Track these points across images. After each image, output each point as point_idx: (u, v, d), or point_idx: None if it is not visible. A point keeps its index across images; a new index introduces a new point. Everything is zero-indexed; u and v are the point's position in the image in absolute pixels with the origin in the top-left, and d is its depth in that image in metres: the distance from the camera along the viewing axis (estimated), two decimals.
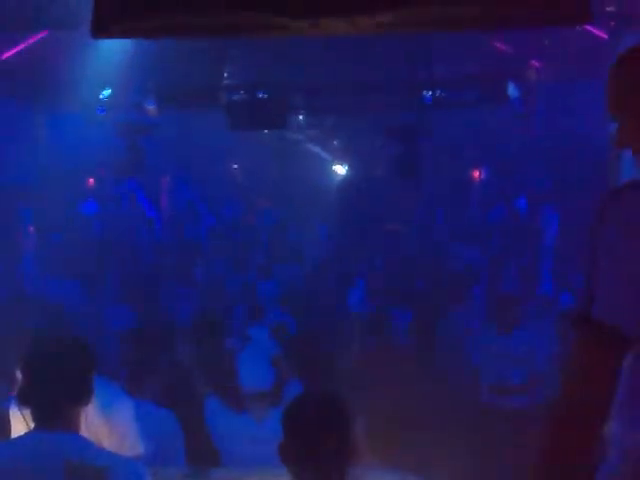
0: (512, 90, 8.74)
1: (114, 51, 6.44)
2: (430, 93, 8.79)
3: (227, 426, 3.77)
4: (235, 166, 15.70)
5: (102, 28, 2.08)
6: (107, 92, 7.86)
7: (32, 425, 2.68)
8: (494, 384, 5.80)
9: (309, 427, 2.46)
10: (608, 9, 5.73)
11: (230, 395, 3.78)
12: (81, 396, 2.69)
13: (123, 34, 2.10)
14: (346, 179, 14.59)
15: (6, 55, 7.57)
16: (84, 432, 2.74)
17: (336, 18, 2.27)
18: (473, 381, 5.97)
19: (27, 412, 2.69)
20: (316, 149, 13.95)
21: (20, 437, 2.70)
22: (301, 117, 9.59)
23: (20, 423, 3.07)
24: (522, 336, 5.83)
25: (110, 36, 2.10)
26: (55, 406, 2.61)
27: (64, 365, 2.69)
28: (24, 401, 2.66)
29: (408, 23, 2.34)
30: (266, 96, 8.11)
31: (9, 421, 3.22)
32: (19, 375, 2.79)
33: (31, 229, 8.90)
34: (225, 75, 7.86)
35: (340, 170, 14.95)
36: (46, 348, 2.82)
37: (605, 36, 6.36)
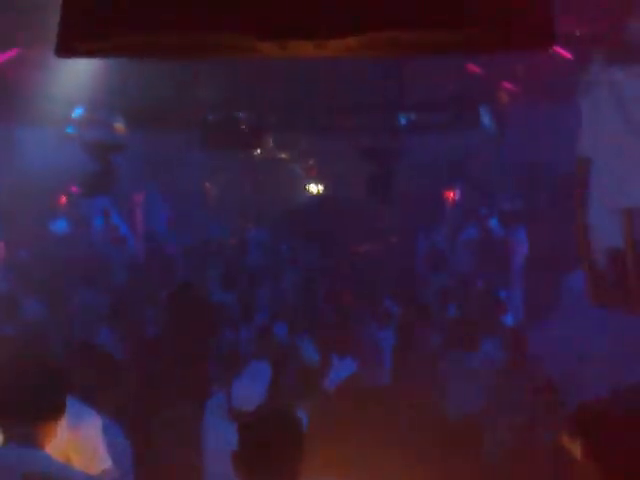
0: (484, 112, 8.84)
1: (85, 69, 6.41)
2: (403, 115, 8.87)
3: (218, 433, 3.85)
4: (210, 184, 15.67)
5: (66, 47, 2.06)
6: (78, 110, 7.81)
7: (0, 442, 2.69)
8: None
9: (262, 439, 2.53)
10: (576, 31, 5.83)
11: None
12: (52, 413, 2.71)
13: (87, 53, 2.08)
14: (319, 199, 14.64)
15: None
16: (53, 448, 2.75)
17: (304, 40, 2.27)
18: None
19: None
20: (290, 168, 13.98)
21: None
22: (275, 137, 9.60)
23: None
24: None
25: (74, 55, 2.08)
26: (26, 422, 2.63)
27: (36, 383, 2.71)
28: None
29: (376, 47, 2.34)
30: (240, 115, 8.11)
31: None
32: None
33: (0, 246, 8.78)
34: (198, 94, 7.85)
35: (314, 190, 15.00)
36: (19, 366, 2.83)
37: (572, 59, 6.46)
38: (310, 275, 10.34)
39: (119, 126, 7.61)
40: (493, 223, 10.79)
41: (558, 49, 6.00)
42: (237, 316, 7.72)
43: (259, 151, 9.72)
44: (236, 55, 2.26)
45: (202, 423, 4.05)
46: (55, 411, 2.78)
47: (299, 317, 7.81)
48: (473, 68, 8.31)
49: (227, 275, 9.19)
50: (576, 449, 2.25)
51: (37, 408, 2.73)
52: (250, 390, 3.79)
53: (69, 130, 8.07)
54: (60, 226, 11.96)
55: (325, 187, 14.78)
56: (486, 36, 2.29)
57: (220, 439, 3.82)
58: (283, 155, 12.67)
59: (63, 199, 12.16)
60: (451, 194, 12.29)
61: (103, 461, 3.24)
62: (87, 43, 2.05)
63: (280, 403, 3.72)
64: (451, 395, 5.83)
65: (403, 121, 8.98)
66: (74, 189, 11.50)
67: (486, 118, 8.84)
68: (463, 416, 5.58)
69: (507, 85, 8.72)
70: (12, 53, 7.24)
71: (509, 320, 7.77)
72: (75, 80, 6.62)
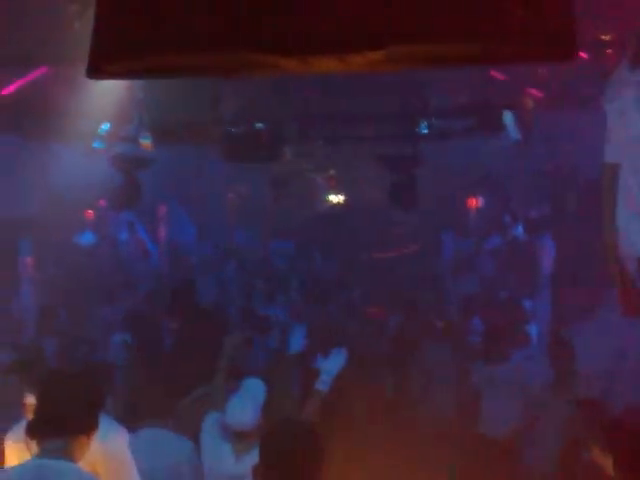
0: (508, 118, 8.80)
1: (112, 85, 6.52)
2: (425, 122, 8.85)
3: (213, 451, 3.87)
4: (232, 196, 15.78)
5: (96, 69, 2.12)
6: (105, 126, 7.93)
7: (35, 454, 2.74)
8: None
9: (282, 453, 2.54)
10: (600, 35, 5.79)
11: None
12: (88, 428, 2.77)
13: (116, 75, 2.14)
14: (340, 208, 14.66)
15: (5, 91, 7.65)
16: (83, 461, 2.81)
17: (326, 56, 2.30)
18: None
19: (32, 442, 2.75)
20: (310, 179, 14.03)
21: (22, 464, 2.78)
22: (295, 148, 9.65)
23: (19, 453, 3.10)
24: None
25: (104, 77, 2.14)
26: (61, 436, 2.68)
27: (74, 398, 2.77)
28: (33, 431, 2.72)
29: (398, 61, 2.37)
30: (261, 128, 8.18)
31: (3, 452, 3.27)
32: (29, 401, 2.85)
33: (29, 260, 8.92)
34: (220, 107, 7.93)
35: (335, 199, 15.01)
36: (59, 381, 2.90)
37: (597, 63, 6.42)
38: (331, 285, 10.37)
39: (146, 143, 7.72)
40: (518, 231, 10.71)
41: (582, 54, 5.97)
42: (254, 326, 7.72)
43: (279, 162, 9.76)
44: (261, 72, 2.31)
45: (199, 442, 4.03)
46: (90, 426, 2.83)
47: (318, 327, 7.82)
48: (496, 74, 8.29)
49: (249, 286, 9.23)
50: (608, 465, 2.24)
51: (73, 423, 2.78)
52: (244, 408, 3.77)
53: (96, 145, 8.19)
54: (87, 239, 12.13)
55: (346, 196, 14.79)
56: (505, 48, 2.31)
57: (215, 459, 3.84)
58: (303, 166, 12.72)
59: (90, 213, 12.33)
60: (474, 201, 12.23)
61: (130, 476, 3.29)
62: (117, 65, 2.11)
63: (294, 417, 3.72)
64: (486, 411, 5.76)
65: (425, 128, 8.97)
66: (101, 203, 11.67)
67: (510, 124, 8.80)
68: (500, 432, 5.54)
69: (531, 90, 8.69)
70: (41, 71, 7.39)
71: (533, 330, 7.70)
72: (103, 96, 6.73)
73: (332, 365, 3.97)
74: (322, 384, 3.95)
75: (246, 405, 3.80)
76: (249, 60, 2.16)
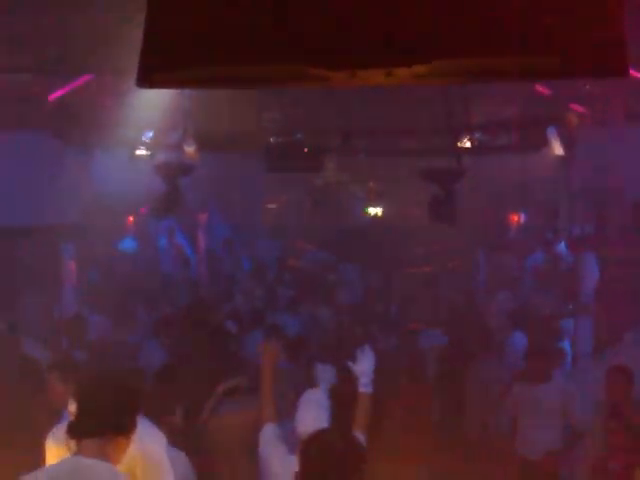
0: (552, 134, 8.70)
1: (156, 94, 6.61)
2: (468, 137, 8.80)
3: (279, 463, 3.86)
4: (272, 206, 15.87)
5: (146, 78, 2.14)
6: (149, 133, 8.04)
7: (73, 453, 2.79)
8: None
9: (323, 460, 2.53)
10: None
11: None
12: (126, 429, 2.81)
13: (165, 85, 2.17)
14: (380, 220, 14.63)
15: (52, 97, 7.82)
16: (122, 463, 2.84)
17: (373, 69, 2.29)
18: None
19: (72, 442, 2.79)
20: (350, 190, 14.04)
21: (59, 462, 2.85)
22: (337, 159, 9.67)
23: (59, 453, 3.15)
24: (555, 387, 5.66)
25: (153, 86, 2.17)
26: (99, 436, 2.73)
27: (112, 399, 2.82)
28: (72, 431, 2.77)
29: (444, 74, 2.35)
30: (302, 139, 8.22)
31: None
32: (72, 407, 2.90)
33: (72, 266, 9.06)
34: (262, 118, 8.00)
35: (374, 211, 15.00)
36: (98, 383, 2.95)
37: None
38: (369, 296, 10.33)
39: (190, 150, 7.80)
40: (561, 248, 10.54)
41: (632, 70, 5.87)
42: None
43: (320, 173, 9.80)
44: (308, 85, 2.31)
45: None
46: (127, 427, 2.87)
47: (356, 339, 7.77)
48: (541, 89, 8.21)
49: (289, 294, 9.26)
50: None
51: (111, 424, 2.83)
52: (313, 419, 3.74)
53: (140, 152, 8.31)
54: (128, 245, 12.29)
55: (386, 209, 14.76)
56: (552, 62, 2.27)
57: (283, 469, 3.79)
58: (344, 177, 12.74)
59: (131, 219, 12.50)
60: (516, 217, 12.09)
61: (166, 476, 3.32)
62: (166, 75, 2.13)
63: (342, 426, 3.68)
64: (523, 431, 5.63)
65: (467, 142, 8.91)
66: (142, 209, 11.83)
67: (554, 139, 8.70)
68: (539, 453, 5.41)
69: (576, 106, 8.58)
70: (86, 78, 7.55)
71: (567, 347, 7.57)
72: (147, 104, 6.83)
73: (366, 366, 3.96)
74: (365, 387, 3.95)
75: (317, 414, 3.78)
76: (297, 72, 2.16)
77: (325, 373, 4.05)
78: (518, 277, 10.85)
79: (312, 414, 3.77)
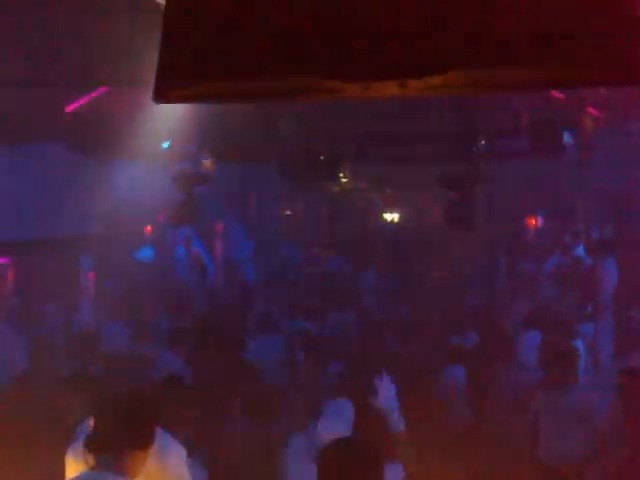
0: (568, 138, 8.65)
1: (173, 106, 6.64)
2: (483, 142, 8.76)
3: (305, 473, 3.86)
4: (288, 212, 15.89)
5: (162, 94, 2.16)
6: (166, 144, 8.09)
7: (90, 467, 2.80)
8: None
9: (340, 469, 2.53)
10: None
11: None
12: (144, 443, 2.82)
13: (181, 100, 2.18)
14: (397, 227, 14.61)
15: (69, 108, 7.89)
16: (141, 474, 2.86)
17: (387, 81, 2.30)
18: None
19: (90, 456, 2.81)
20: (367, 197, 14.04)
21: (75, 477, 2.87)
22: (353, 166, 9.67)
23: (78, 467, 3.17)
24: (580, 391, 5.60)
25: (170, 101, 2.18)
26: (116, 451, 2.74)
27: (129, 413, 2.83)
28: (90, 445, 2.78)
29: (458, 86, 2.35)
30: (319, 146, 8.23)
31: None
32: (91, 422, 2.92)
33: (90, 276, 9.13)
34: (279, 127, 8.02)
35: (391, 218, 14.99)
36: (116, 398, 2.97)
37: None
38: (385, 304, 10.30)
39: (207, 162, 7.84)
40: (579, 252, 10.46)
41: None
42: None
43: (337, 181, 9.80)
44: (323, 97, 2.32)
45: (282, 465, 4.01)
46: (145, 441, 2.88)
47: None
48: (556, 93, 8.16)
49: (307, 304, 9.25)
50: None
51: (128, 438, 2.84)
52: (337, 430, 3.73)
53: (157, 163, 8.36)
54: (145, 254, 12.35)
55: (403, 215, 14.74)
56: (569, 73, 2.26)
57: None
58: (360, 184, 12.73)
59: (149, 228, 12.57)
60: (534, 221, 12.02)
61: None
62: (183, 90, 2.15)
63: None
64: (547, 437, 5.57)
65: (483, 148, 8.87)
66: (159, 218, 11.90)
67: (570, 144, 8.65)
68: (562, 460, 5.35)
69: (591, 110, 8.52)
70: (103, 89, 7.60)
71: (581, 346, 7.49)
72: (164, 115, 6.87)
73: (392, 401, 3.96)
74: (398, 424, 3.96)
75: (341, 426, 3.78)
76: (312, 85, 2.17)
77: (340, 410, 3.96)
78: (536, 281, 10.78)
79: (335, 424, 3.77)
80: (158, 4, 4.11)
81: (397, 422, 3.94)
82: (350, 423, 3.79)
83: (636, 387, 5.11)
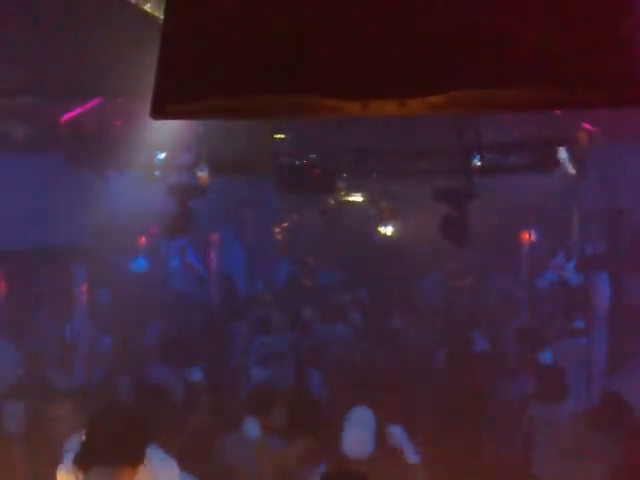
0: (563, 153, 8.67)
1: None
2: (479, 157, 8.77)
3: None
4: (285, 224, 15.87)
5: (160, 110, 2.16)
6: (161, 155, 8.08)
7: None
8: None
9: None
10: None
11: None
12: (134, 459, 2.80)
13: (179, 116, 2.18)
14: (392, 241, 14.61)
15: (63, 118, 7.87)
16: None
17: (386, 100, 2.29)
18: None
19: (80, 472, 2.78)
20: (362, 211, 14.05)
21: None
22: (348, 180, 9.67)
23: None
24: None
25: (167, 117, 2.18)
26: (105, 466, 2.72)
27: (121, 429, 2.81)
28: (79, 461, 2.76)
29: (457, 105, 2.35)
30: (315, 159, 8.22)
31: None
32: (83, 437, 2.90)
33: (83, 287, 9.08)
34: (274, 139, 8.02)
35: (386, 232, 14.98)
36: (107, 413, 2.95)
37: None
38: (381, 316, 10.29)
39: (202, 175, 7.83)
40: (573, 267, 10.48)
41: None
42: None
43: (332, 194, 9.80)
44: (323, 115, 2.31)
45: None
46: (135, 457, 2.87)
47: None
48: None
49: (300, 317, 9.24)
50: None
51: (118, 454, 2.82)
52: (361, 437, 3.74)
53: (152, 174, 8.34)
54: (139, 265, 12.31)
55: (398, 228, 14.74)
56: (569, 94, 2.26)
57: None
58: (356, 198, 12.75)
59: (143, 239, 12.53)
60: (528, 237, 12.04)
61: None
62: (180, 106, 2.14)
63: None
64: (538, 451, 5.56)
65: (478, 163, 8.88)
66: (153, 229, 11.87)
67: (565, 159, 8.67)
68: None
69: (587, 126, 8.55)
70: (98, 101, 7.60)
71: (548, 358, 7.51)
72: (159, 126, 6.86)
73: (403, 437, 3.97)
74: (413, 457, 3.98)
75: (364, 435, 3.79)
76: (311, 103, 2.16)
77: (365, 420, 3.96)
78: (529, 296, 10.79)
79: (357, 435, 3.78)
80: (156, 18, 4.11)
81: (413, 453, 3.97)
82: (373, 431, 3.79)
83: (611, 412, 5.14)
